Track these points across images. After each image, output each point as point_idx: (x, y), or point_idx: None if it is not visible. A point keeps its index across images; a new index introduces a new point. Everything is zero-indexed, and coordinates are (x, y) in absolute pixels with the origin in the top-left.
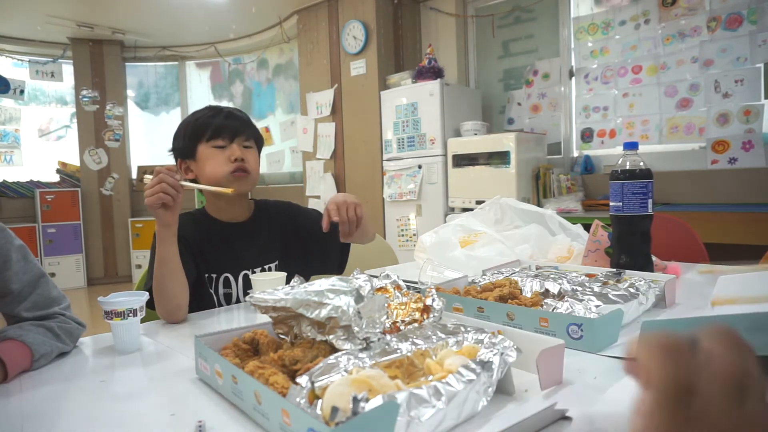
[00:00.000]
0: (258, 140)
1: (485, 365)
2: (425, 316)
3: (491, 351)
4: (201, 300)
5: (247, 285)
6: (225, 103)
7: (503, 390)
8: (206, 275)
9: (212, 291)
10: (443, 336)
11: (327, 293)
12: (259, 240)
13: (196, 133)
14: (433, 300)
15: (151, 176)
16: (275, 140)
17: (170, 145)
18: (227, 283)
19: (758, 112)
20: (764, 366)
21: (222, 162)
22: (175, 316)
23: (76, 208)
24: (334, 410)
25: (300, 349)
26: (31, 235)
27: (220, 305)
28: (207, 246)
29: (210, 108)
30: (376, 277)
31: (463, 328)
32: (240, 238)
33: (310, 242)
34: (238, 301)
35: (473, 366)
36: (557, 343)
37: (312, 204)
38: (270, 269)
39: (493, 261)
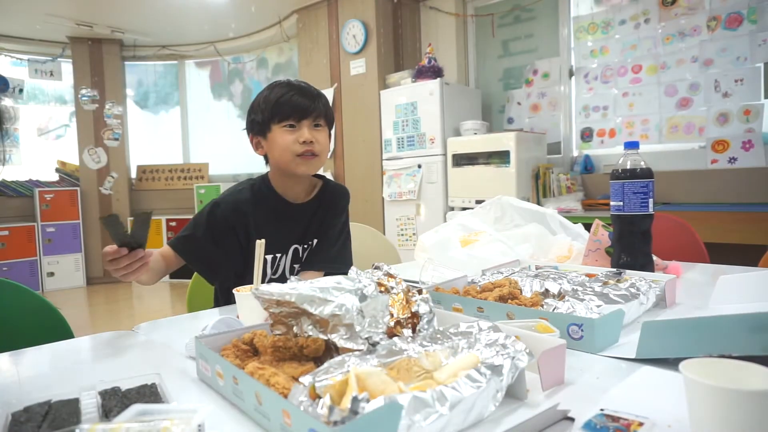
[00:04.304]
0: (329, 119)
1: (495, 369)
2: (416, 320)
3: (502, 354)
4: (242, 278)
5: (296, 259)
6: (224, 103)
7: (513, 394)
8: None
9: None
10: (453, 338)
11: (332, 290)
12: (313, 219)
13: (268, 112)
14: (419, 306)
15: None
16: None
17: (164, 145)
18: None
19: (758, 112)
20: (764, 365)
21: (290, 143)
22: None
23: (75, 208)
24: (331, 409)
25: (303, 339)
26: (30, 234)
27: (266, 275)
28: (266, 226)
29: (283, 85)
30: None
31: (475, 328)
32: (300, 218)
33: (324, 235)
34: (283, 273)
35: (483, 370)
36: (558, 344)
37: None
38: (312, 245)
39: (493, 261)
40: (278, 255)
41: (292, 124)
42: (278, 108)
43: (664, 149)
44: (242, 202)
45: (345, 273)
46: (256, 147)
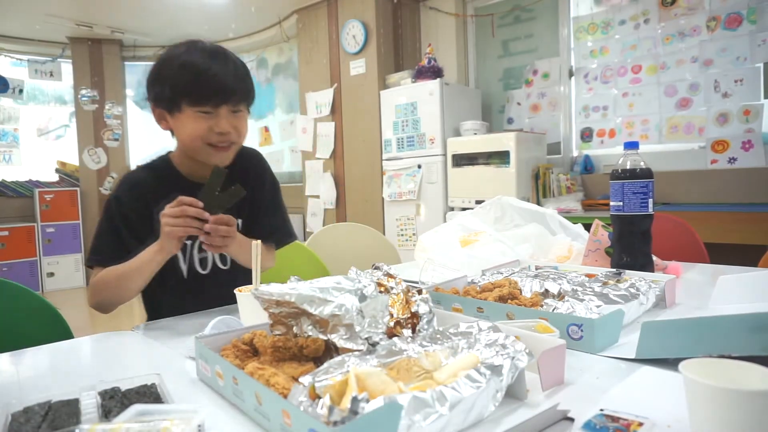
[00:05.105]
0: (251, 100)
1: (495, 369)
2: (416, 320)
3: (502, 354)
4: (165, 280)
5: None
6: None
7: (513, 394)
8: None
9: (184, 261)
10: (453, 338)
11: (331, 290)
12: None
13: (181, 88)
14: (418, 306)
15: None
16: (275, 140)
17: (164, 145)
18: (201, 247)
19: (758, 112)
20: (764, 365)
21: (203, 132)
22: (108, 309)
23: (75, 208)
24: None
25: (303, 339)
26: (30, 234)
27: (195, 272)
28: None
29: (200, 53)
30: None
31: (475, 328)
32: None
33: (255, 210)
34: (215, 264)
35: (483, 370)
36: (558, 344)
37: (311, 204)
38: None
39: (493, 261)
40: (189, 243)
41: (208, 111)
42: (193, 88)
43: (664, 149)
44: (142, 187)
45: (289, 242)
46: (159, 119)
